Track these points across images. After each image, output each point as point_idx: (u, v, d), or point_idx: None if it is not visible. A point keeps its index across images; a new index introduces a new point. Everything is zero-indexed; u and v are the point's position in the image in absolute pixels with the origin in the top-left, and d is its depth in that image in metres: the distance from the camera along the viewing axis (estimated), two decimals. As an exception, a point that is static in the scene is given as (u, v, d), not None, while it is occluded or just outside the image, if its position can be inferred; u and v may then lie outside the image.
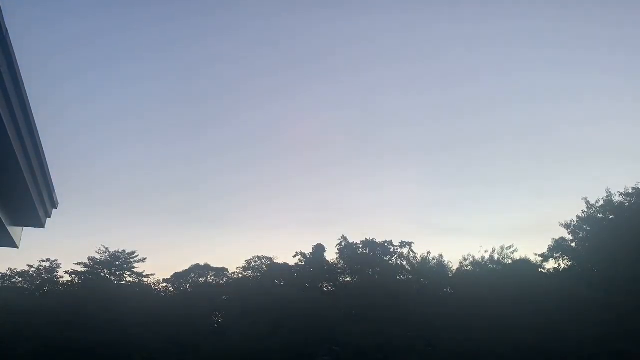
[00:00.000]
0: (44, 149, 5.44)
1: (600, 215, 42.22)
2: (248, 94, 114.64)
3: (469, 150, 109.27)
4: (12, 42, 3.93)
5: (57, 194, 6.71)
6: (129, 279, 62.22)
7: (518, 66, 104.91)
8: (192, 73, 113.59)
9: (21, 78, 4.25)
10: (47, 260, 59.76)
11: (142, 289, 59.73)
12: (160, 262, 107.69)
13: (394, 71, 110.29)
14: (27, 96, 4.48)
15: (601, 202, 42.12)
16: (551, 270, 45.18)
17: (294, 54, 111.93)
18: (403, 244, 65.09)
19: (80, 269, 59.66)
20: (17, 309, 46.29)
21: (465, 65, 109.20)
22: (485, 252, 45.19)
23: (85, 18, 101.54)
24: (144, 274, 62.76)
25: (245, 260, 71.54)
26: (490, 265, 43.99)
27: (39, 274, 59.47)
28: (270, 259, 70.53)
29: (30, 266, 59.53)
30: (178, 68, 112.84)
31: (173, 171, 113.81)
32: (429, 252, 46.58)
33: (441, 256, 46.26)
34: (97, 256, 60.25)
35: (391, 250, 65.76)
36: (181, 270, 69.32)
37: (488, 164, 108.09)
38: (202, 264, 70.23)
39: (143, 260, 62.07)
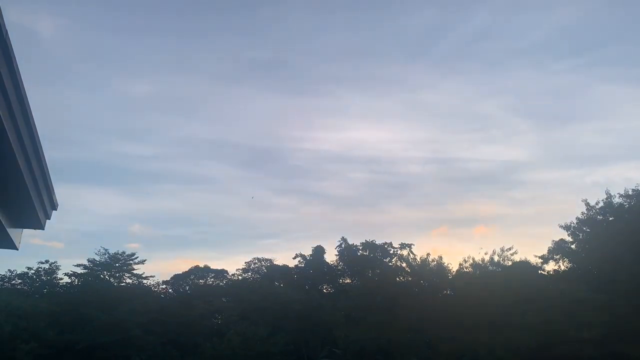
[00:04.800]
0: (43, 151, 5.44)
1: (600, 217, 42.18)
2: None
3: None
4: (12, 44, 3.93)
5: (56, 195, 6.71)
6: (128, 280, 62.18)
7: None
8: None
9: (21, 80, 4.25)
10: (47, 261, 59.73)
11: (142, 291, 59.66)
12: (160, 263, 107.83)
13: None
14: (26, 98, 4.47)
15: (601, 204, 42.09)
16: (551, 272, 45.13)
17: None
18: (403, 246, 65.16)
19: (79, 270, 59.62)
20: (17, 311, 46.19)
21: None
22: (485, 254, 45.14)
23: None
24: (144, 275, 62.75)
25: (245, 262, 71.68)
26: (490, 267, 43.91)
27: (39, 276, 59.40)
28: (270, 260, 70.61)
29: (30, 268, 59.50)
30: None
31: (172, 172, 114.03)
32: (428, 254, 46.46)
33: (441, 258, 46.19)
34: (97, 258, 60.23)
35: (391, 252, 65.83)
36: (181, 272, 69.41)
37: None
38: (201, 265, 70.35)
39: (143, 262, 62.06)
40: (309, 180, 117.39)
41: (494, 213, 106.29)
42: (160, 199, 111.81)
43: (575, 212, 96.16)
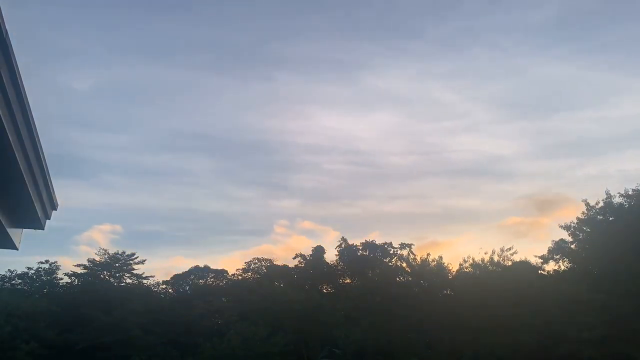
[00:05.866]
0: (43, 151, 5.44)
1: (600, 217, 42.19)
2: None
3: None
4: (12, 44, 3.93)
5: (56, 195, 6.71)
6: (128, 280, 62.21)
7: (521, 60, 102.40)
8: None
9: (21, 80, 4.25)
10: (47, 261, 59.74)
11: (142, 291, 59.69)
12: (160, 264, 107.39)
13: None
14: (26, 98, 4.47)
15: (601, 204, 42.10)
16: (551, 272, 45.16)
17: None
18: (403, 246, 65.23)
19: (79, 270, 59.64)
20: (17, 311, 46.20)
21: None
22: (485, 253, 45.16)
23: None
24: (144, 275, 62.78)
25: (245, 262, 71.82)
26: (490, 267, 43.91)
27: (39, 276, 59.40)
28: (270, 260, 70.74)
29: (30, 268, 59.51)
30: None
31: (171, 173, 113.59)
32: (428, 254, 46.51)
33: (441, 258, 46.22)
34: (97, 258, 60.23)
35: (391, 252, 65.90)
36: (181, 272, 69.45)
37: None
38: (201, 265, 70.40)
39: (142, 262, 62.08)
40: (287, 172, 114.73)
41: (481, 207, 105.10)
42: (132, 193, 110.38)
43: (568, 206, 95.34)
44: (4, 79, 3.95)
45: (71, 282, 60.30)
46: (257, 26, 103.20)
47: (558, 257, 44.85)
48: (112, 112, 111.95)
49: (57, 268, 60.02)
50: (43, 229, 7.12)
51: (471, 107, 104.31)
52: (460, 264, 45.85)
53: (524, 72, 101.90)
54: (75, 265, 60.13)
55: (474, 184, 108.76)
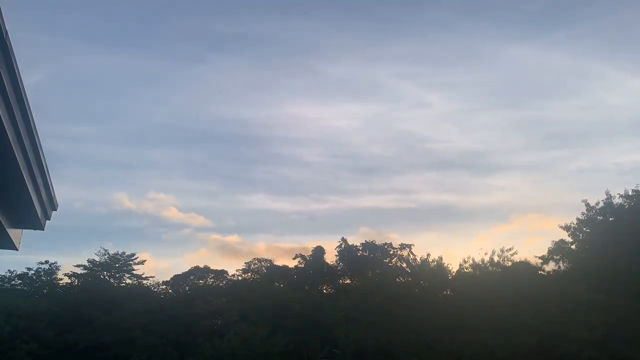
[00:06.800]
0: (43, 151, 5.44)
1: (600, 218, 42.20)
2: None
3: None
4: (12, 44, 3.93)
5: (56, 195, 6.70)
6: (128, 281, 62.23)
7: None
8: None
9: (21, 80, 4.25)
10: (46, 262, 59.74)
11: (142, 291, 59.66)
12: (160, 264, 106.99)
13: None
14: (27, 98, 4.47)
15: (601, 204, 42.12)
16: (551, 273, 45.14)
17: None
18: (403, 246, 65.26)
19: (79, 271, 59.64)
20: (17, 311, 46.20)
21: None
22: (485, 254, 45.18)
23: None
24: (144, 276, 62.79)
25: (245, 263, 71.88)
26: (490, 268, 43.90)
27: (38, 276, 59.41)
28: (270, 261, 70.82)
29: (30, 268, 59.50)
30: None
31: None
32: (428, 254, 46.51)
33: (441, 258, 46.21)
34: (97, 258, 60.22)
35: (391, 252, 65.94)
36: (181, 273, 69.47)
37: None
38: (201, 266, 70.43)
39: (142, 262, 62.10)
40: (266, 165, 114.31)
41: (470, 201, 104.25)
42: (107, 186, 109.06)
43: (562, 201, 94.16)
44: (4, 79, 3.95)
45: (71, 282, 60.32)
46: (215, 9, 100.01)
47: (558, 257, 44.81)
48: (69, 103, 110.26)
49: (57, 268, 60.11)
50: (43, 230, 7.12)
51: (454, 97, 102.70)
52: (461, 264, 45.87)
53: (510, 61, 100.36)
54: (75, 266, 60.23)
55: (459, 176, 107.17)
